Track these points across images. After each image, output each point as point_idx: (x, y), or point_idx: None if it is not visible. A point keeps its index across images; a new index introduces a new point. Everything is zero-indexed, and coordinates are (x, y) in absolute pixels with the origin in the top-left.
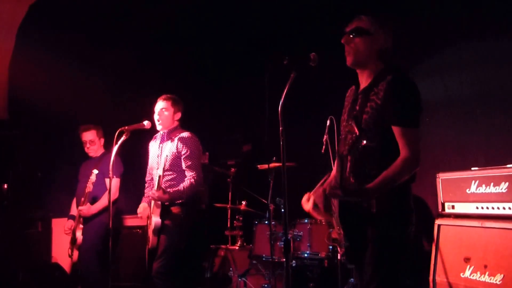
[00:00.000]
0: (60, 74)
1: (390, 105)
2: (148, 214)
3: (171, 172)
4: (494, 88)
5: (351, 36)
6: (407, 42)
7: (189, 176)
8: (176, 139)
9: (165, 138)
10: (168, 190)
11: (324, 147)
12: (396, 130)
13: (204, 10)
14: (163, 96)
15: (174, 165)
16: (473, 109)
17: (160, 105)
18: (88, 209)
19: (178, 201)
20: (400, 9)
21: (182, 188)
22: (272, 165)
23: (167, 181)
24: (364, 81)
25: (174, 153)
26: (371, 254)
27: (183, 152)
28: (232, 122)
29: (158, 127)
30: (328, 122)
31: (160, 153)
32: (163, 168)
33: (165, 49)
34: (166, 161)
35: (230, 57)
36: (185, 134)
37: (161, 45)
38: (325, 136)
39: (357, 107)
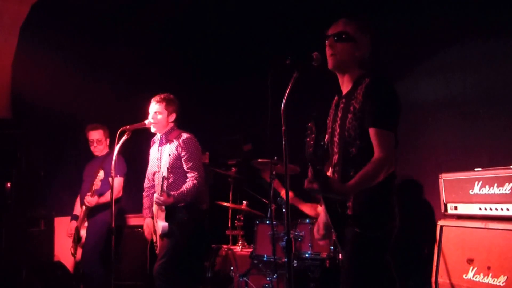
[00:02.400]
0: (62, 73)
1: (366, 107)
2: (152, 230)
3: (171, 174)
4: (497, 87)
5: (335, 39)
6: (410, 42)
7: (191, 177)
8: (175, 140)
9: (164, 141)
10: (172, 193)
11: (326, 147)
12: (371, 131)
13: (205, 8)
14: (156, 98)
15: (175, 166)
16: (477, 109)
17: (154, 108)
18: (97, 201)
19: (181, 203)
20: (403, 8)
21: (185, 190)
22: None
23: (169, 183)
24: (344, 86)
25: (174, 155)
26: (347, 254)
27: (182, 154)
28: (232, 121)
29: (153, 130)
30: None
31: (160, 156)
32: (167, 170)
33: (167, 48)
34: (167, 163)
35: (231, 56)
36: (184, 135)
37: (163, 45)
38: (326, 136)
39: (339, 113)
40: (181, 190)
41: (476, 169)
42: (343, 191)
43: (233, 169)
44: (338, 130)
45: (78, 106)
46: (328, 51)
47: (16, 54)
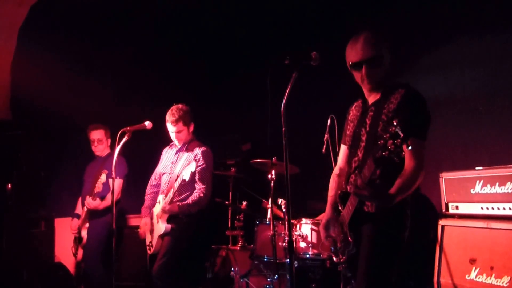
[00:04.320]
0: (62, 74)
1: (401, 116)
2: (147, 230)
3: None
4: (497, 84)
5: (369, 65)
6: (409, 38)
7: (199, 190)
8: (194, 150)
9: (183, 149)
10: (178, 203)
11: (325, 146)
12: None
13: (204, 9)
14: (171, 118)
15: (193, 161)
16: (476, 106)
17: (174, 128)
18: (98, 204)
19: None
20: (402, 5)
21: (191, 202)
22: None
23: (180, 189)
24: (372, 96)
25: (190, 162)
26: (366, 248)
27: (199, 164)
28: (231, 121)
29: (176, 143)
30: (329, 121)
31: (176, 160)
32: (189, 175)
33: (165, 48)
34: (182, 169)
35: (230, 55)
36: (203, 147)
37: (162, 45)
38: (326, 135)
39: (368, 120)
40: (187, 201)
41: (477, 168)
42: (388, 200)
43: (232, 169)
44: (365, 136)
45: (77, 107)
46: (365, 76)
47: (15, 55)
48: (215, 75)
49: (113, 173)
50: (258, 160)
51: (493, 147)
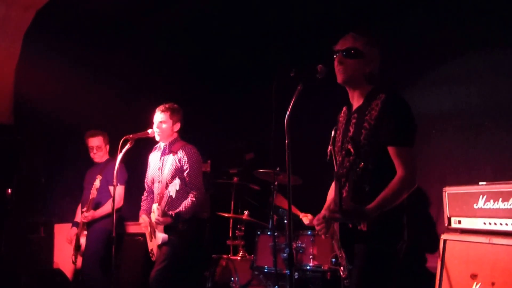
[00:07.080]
0: (65, 80)
1: (384, 124)
2: (148, 224)
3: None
4: (502, 100)
5: (344, 55)
6: (416, 53)
7: (191, 195)
8: (177, 152)
9: (167, 151)
10: (170, 213)
11: (328, 157)
12: (391, 149)
13: (209, 17)
14: (161, 107)
15: (177, 178)
16: (481, 121)
17: (159, 117)
18: (92, 215)
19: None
20: (407, 19)
21: (183, 209)
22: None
23: (170, 196)
24: (355, 101)
25: (177, 167)
26: (357, 265)
27: (185, 167)
28: (234, 130)
29: (157, 138)
30: (333, 132)
31: (162, 166)
32: (174, 191)
33: (171, 56)
34: (169, 175)
35: (235, 65)
36: (187, 148)
37: (167, 52)
38: (329, 147)
39: (351, 128)
40: (179, 209)
41: (480, 183)
42: (365, 217)
43: (235, 178)
44: (352, 146)
45: (80, 113)
46: (337, 67)
47: (20, 60)
48: (220, 83)
49: (115, 180)
50: (261, 170)
51: (497, 163)
